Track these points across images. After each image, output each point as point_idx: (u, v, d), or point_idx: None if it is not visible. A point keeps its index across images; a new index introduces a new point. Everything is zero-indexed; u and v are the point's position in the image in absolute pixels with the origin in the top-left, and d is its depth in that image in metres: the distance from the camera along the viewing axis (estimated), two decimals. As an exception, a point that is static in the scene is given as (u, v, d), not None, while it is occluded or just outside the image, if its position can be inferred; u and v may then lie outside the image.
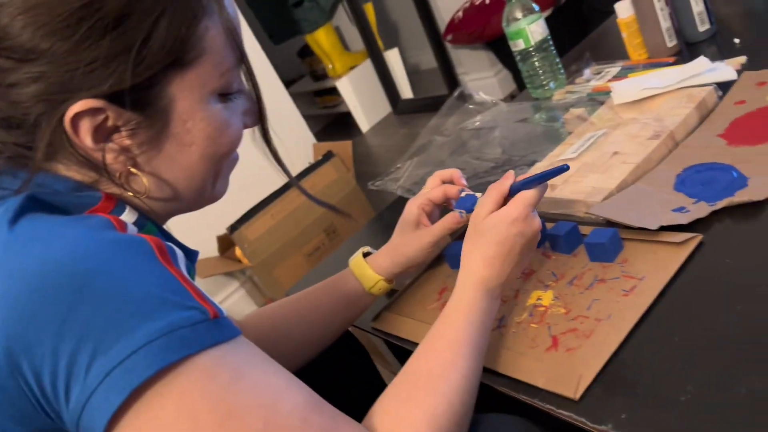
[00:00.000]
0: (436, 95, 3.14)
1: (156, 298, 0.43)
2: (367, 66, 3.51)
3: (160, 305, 0.43)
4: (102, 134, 0.50)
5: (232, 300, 2.19)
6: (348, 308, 0.80)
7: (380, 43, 3.45)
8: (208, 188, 0.58)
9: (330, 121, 4.08)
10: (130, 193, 0.53)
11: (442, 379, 0.55)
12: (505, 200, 0.65)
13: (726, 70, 0.92)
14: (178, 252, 0.50)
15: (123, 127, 0.50)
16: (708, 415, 0.50)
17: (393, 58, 3.47)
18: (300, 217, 1.98)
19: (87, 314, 0.42)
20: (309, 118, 3.95)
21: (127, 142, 0.51)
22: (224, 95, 0.55)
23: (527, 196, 0.63)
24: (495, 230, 0.62)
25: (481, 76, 2.92)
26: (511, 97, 2.70)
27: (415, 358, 0.58)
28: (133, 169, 0.53)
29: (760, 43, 1.00)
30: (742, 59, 0.96)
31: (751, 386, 0.50)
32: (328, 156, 2.08)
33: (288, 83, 3.98)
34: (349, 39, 3.83)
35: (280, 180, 2.06)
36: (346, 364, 0.87)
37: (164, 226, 0.59)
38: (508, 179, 0.66)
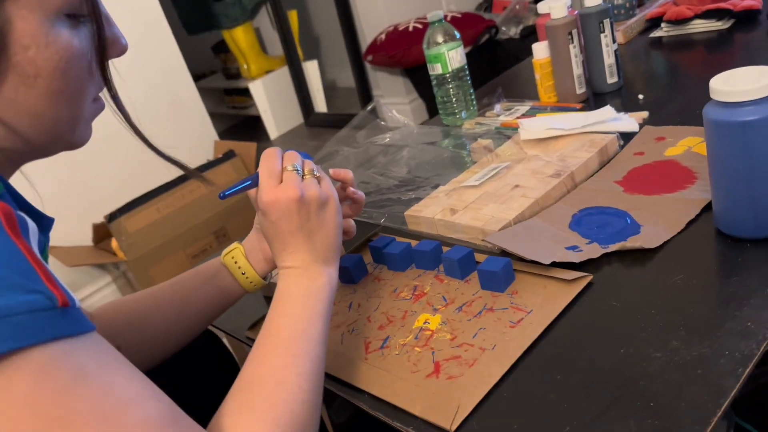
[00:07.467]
0: (350, 113, 3.12)
1: None
2: (283, 73, 3.44)
3: None
4: None
5: (102, 295, 2.01)
6: (219, 306, 0.73)
7: (300, 52, 3.40)
8: (64, 133, 0.49)
9: (238, 122, 3.95)
10: None
11: (279, 384, 0.51)
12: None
13: (629, 121, 0.95)
14: (30, 224, 0.42)
15: None
16: (582, 458, 0.48)
17: (311, 69, 3.42)
18: (189, 215, 1.86)
19: None
20: (216, 116, 3.80)
21: None
22: (72, 17, 0.46)
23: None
24: (271, 213, 0.60)
25: (396, 101, 2.93)
26: (422, 126, 2.73)
27: (246, 364, 0.53)
28: None
29: (660, 102, 1.05)
30: (645, 114, 1.00)
31: (627, 431, 0.49)
32: (229, 155, 1.98)
33: (198, 77, 3.82)
34: (268, 43, 3.75)
35: (174, 172, 1.96)
36: (211, 368, 0.79)
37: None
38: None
